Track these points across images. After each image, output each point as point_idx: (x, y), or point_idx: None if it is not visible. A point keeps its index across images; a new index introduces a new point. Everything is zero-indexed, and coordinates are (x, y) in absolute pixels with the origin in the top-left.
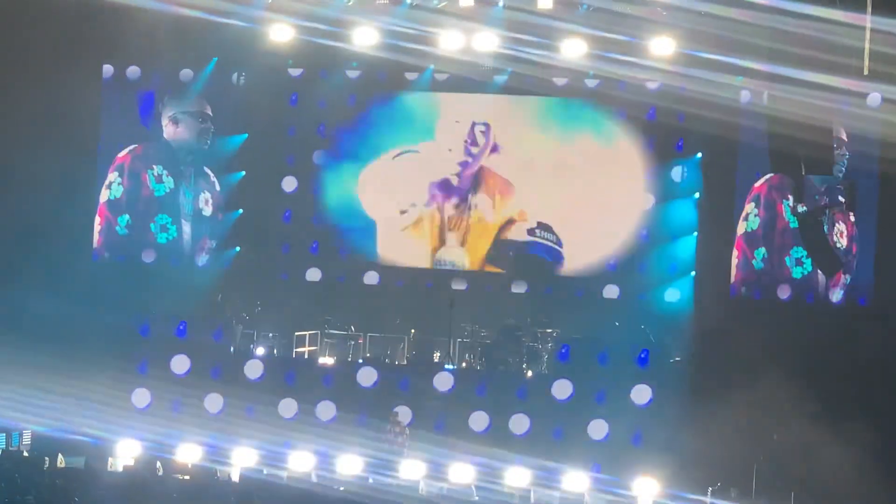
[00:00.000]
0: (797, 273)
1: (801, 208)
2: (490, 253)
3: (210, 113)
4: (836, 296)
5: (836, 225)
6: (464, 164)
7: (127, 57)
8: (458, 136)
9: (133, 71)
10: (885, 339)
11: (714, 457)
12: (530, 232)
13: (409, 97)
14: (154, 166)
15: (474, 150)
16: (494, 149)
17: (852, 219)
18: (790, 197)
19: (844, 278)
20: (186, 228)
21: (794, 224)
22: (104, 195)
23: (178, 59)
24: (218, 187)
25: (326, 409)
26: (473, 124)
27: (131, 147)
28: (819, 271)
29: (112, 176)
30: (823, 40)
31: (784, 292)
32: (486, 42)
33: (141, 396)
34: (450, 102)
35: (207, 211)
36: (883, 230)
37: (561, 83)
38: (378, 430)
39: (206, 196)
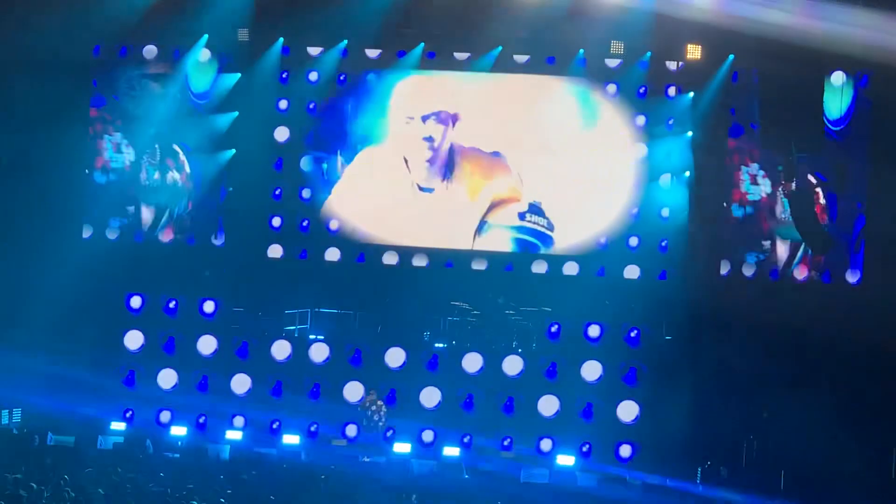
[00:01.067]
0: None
1: (792, 187)
2: (479, 233)
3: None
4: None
5: (825, 203)
6: (434, 149)
7: (117, 35)
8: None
9: (123, 49)
10: (872, 316)
11: (703, 436)
12: (521, 216)
13: (388, 82)
14: (113, 132)
15: (436, 136)
16: (455, 119)
17: (841, 197)
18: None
19: (832, 256)
20: (147, 214)
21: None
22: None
23: (167, 37)
24: (188, 169)
25: (317, 388)
26: (423, 118)
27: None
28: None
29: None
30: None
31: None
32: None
33: (131, 374)
34: (431, 87)
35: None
36: (871, 209)
37: (550, 61)
38: (358, 408)
39: (173, 175)
